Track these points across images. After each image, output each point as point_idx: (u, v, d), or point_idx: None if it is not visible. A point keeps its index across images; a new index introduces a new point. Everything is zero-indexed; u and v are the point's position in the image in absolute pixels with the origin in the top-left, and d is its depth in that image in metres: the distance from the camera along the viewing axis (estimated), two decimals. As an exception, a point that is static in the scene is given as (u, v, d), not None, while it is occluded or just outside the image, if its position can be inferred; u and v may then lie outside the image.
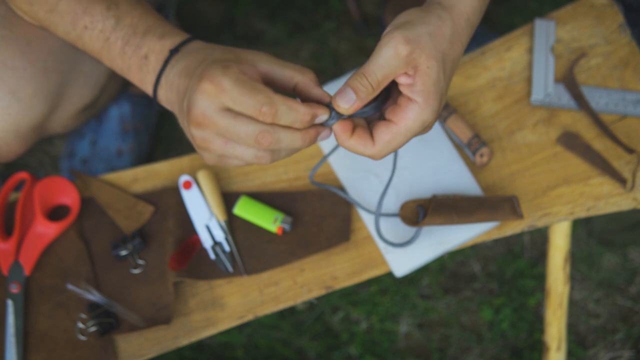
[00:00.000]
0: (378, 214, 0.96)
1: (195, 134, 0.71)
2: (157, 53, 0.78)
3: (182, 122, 0.75)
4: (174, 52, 0.77)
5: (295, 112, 0.69)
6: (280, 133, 0.69)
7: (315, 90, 0.73)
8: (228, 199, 1.03)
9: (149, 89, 0.79)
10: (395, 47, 0.70)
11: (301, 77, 0.72)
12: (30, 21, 0.89)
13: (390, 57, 0.70)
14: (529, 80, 1.06)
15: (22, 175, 1.02)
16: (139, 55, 0.78)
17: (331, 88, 1.05)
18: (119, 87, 1.23)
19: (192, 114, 0.69)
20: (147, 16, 0.80)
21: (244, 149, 0.71)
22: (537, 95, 1.04)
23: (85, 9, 0.81)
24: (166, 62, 0.77)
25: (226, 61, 0.70)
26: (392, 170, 0.90)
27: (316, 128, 0.72)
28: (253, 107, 0.67)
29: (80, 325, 0.97)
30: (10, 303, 0.97)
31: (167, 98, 0.78)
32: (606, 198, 1.02)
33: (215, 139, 0.70)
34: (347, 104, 0.70)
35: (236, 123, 0.68)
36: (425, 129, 0.73)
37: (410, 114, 0.71)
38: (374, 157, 0.74)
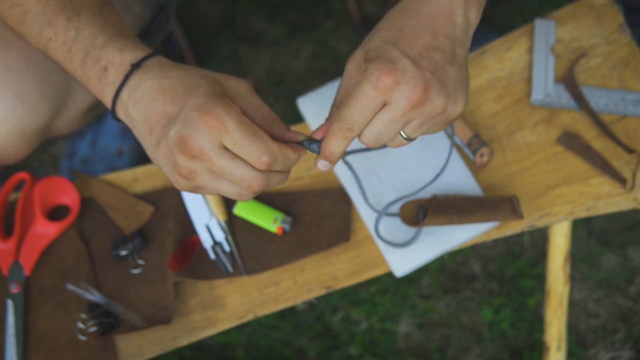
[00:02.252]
0: (382, 214, 0.96)
1: (182, 164, 0.71)
2: (117, 66, 0.77)
3: (156, 145, 0.74)
4: (135, 66, 0.76)
5: (289, 161, 0.73)
6: (271, 177, 0.73)
7: (288, 135, 0.75)
8: (228, 199, 1.02)
9: (107, 102, 0.78)
10: (345, 71, 0.75)
11: (272, 126, 0.75)
12: None
13: (343, 78, 0.75)
14: (529, 80, 1.06)
15: (22, 175, 1.02)
16: (98, 68, 0.78)
17: (331, 88, 1.06)
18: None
19: (187, 146, 0.70)
20: (108, 28, 0.79)
21: (231, 186, 0.73)
22: (537, 95, 1.04)
23: (49, 21, 0.81)
24: (127, 76, 0.76)
25: (221, 95, 0.71)
26: (449, 153, 0.88)
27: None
28: (252, 154, 0.70)
29: (80, 325, 0.97)
30: (10, 303, 0.97)
31: (127, 114, 0.77)
32: (606, 198, 1.01)
33: (204, 172, 0.72)
34: (319, 132, 0.75)
35: (233, 165, 0.70)
36: (391, 85, 0.70)
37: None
38: (348, 119, 0.72)
